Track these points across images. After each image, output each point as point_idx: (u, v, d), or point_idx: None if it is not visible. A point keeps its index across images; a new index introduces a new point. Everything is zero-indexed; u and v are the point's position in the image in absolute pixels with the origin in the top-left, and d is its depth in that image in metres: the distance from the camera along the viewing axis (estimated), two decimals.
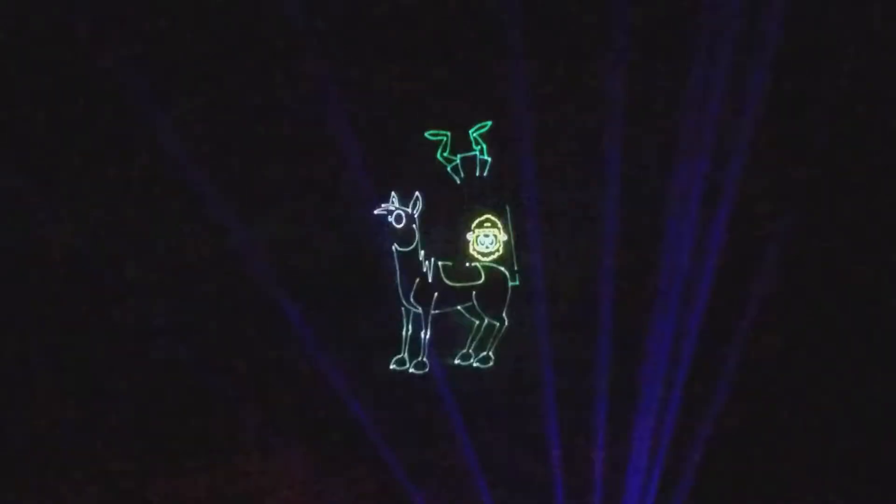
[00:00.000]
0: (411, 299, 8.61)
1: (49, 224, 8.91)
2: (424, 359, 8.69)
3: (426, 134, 8.98)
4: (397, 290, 8.60)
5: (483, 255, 8.98)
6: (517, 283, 8.89)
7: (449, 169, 9.05)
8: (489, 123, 9.00)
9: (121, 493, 8.03)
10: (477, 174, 9.06)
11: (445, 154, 9.01)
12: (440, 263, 8.72)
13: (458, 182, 9.06)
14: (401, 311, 8.67)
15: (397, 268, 8.59)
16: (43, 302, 8.91)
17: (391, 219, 8.49)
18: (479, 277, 8.81)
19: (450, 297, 8.71)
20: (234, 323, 8.76)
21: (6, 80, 8.98)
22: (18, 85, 9.01)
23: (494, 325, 8.84)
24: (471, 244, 8.99)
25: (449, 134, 8.98)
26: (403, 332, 8.68)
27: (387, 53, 9.31)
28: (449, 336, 8.89)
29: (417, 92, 9.27)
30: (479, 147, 9.04)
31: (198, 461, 8.24)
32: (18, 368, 8.68)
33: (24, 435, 8.30)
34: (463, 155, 9.07)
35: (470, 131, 8.99)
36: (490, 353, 8.85)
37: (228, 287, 8.81)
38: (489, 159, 9.06)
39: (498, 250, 8.98)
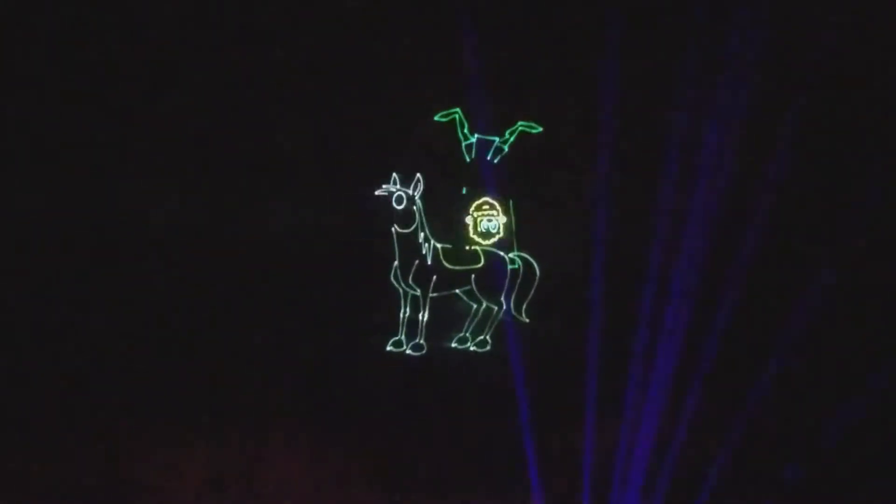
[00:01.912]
0: (410, 281, 8.63)
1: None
2: (422, 341, 8.73)
3: (436, 117, 8.93)
4: (395, 271, 8.62)
5: (484, 238, 8.95)
6: (517, 266, 8.84)
7: (463, 146, 8.99)
8: (540, 129, 8.93)
9: (119, 466, 8.29)
10: (488, 158, 9.03)
11: (465, 131, 8.95)
12: (440, 246, 8.72)
13: (468, 161, 9.01)
14: (399, 293, 8.69)
15: (396, 250, 8.62)
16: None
17: (392, 200, 8.52)
18: (479, 261, 8.79)
19: (448, 280, 8.72)
20: (230, 301, 8.84)
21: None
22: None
23: (493, 310, 8.83)
24: (471, 227, 8.96)
25: (459, 111, 8.91)
26: (401, 315, 8.71)
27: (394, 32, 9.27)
28: (447, 319, 8.87)
29: (422, 72, 9.22)
30: (507, 139, 8.98)
31: (196, 436, 8.45)
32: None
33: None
34: (481, 137, 9.02)
35: (519, 123, 8.90)
36: (487, 337, 8.83)
37: (229, 266, 8.89)
38: (507, 150, 9.00)
39: (499, 234, 8.94)
